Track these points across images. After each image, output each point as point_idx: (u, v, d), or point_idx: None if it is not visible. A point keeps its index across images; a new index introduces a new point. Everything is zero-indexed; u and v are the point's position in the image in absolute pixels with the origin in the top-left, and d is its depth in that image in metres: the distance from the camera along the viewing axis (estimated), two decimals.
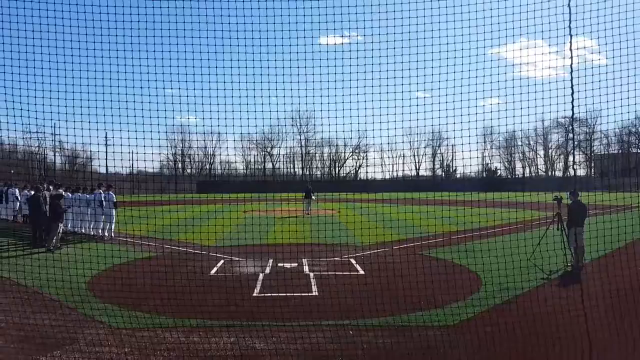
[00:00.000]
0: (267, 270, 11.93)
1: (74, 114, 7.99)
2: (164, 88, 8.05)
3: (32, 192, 16.45)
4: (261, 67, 8.59)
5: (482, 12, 7.70)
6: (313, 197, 31.31)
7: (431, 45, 7.90)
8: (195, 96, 8.22)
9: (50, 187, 17.43)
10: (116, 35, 7.70)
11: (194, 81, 8.25)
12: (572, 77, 6.13)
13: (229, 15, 7.72)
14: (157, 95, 8.43)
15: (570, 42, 6.13)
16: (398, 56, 7.96)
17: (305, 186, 32.23)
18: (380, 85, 8.31)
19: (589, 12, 7.20)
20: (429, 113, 8.35)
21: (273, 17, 7.71)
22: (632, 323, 7.30)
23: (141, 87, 7.79)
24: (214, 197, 31.68)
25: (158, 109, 8.11)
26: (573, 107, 6.16)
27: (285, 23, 7.67)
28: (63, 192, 17.11)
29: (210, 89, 7.95)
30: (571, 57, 6.19)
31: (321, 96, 8.14)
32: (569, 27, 6.11)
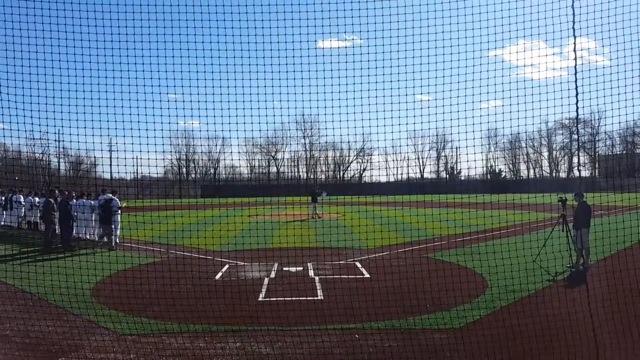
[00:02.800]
0: (272, 275, 11.91)
1: (77, 120, 7.97)
2: (167, 93, 8.06)
3: (60, 198, 16.78)
4: (264, 72, 8.57)
5: (486, 14, 7.64)
6: (320, 199, 31.04)
7: (435, 48, 7.90)
8: (198, 101, 8.24)
9: (73, 193, 17.86)
10: (119, 41, 7.72)
11: (197, 86, 8.27)
12: (576, 79, 6.09)
13: (231, 20, 7.73)
14: (160, 101, 8.37)
15: (575, 43, 6.10)
16: (401, 59, 7.93)
17: (312, 189, 32.06)
18: (384, 89, 8.28)
19: (592, 14, 7.17)
20: (431, 116, 8.33)
21: (276, 21, 7.72)
22: (638, 324, 7.23)
23: (144, 93, 7.77)
24: (218, 201, 31.69)
25: (162, 114, 8.10)
26: (577, 108, 6.12)
27: (286, 27, 7.66)
28: (112, 197, 17.77)
29: (213, 94, 7.95)
30: (575, 58, 6.16)
31: (325, 100, 8.09)
32: (573, 28, 6.09)
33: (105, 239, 17.14)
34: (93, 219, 18.19)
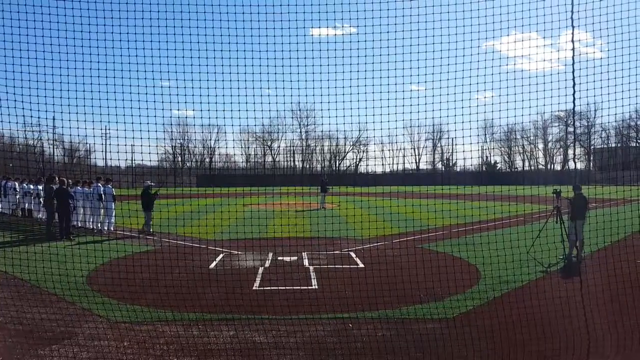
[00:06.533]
0: (267, 264, 11.91)
1: (69, 105, 7.87)
2: (160, 79, 7.97)
3: (57, 185, 16.67)
4: (260, 58, 8.48)
5: (484, 3, 7.58)
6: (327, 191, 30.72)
7: (432, 37, 7.81)
8: (193, 87, 8.14)
9: (70, 181, 17.85)
10: (112, 25, 7.61)
11: (191, 72, 8.21)
12: (574, 69, 6.06)
13: (226, 5, 7.61)
14: (153, 87, 8.25)
15: (573, 34, 6.05)
16: (396, 47, 7.86)
17: (321, 180, 31.78)
18: (380, 77, 8.19)
19: (585, 5, 7.10)
20: (427, 106, 8.26)
21: (272, 7, 7.63)
22: (630, 315, 7.29)
23: (137, 79, 7.66)
24: (212, 190, 31.63)
25: (155, 101, 8.00)
26: (574, 99, 6.10)
27: (282, 13, 7.56)
28: (151, 183, 18.49)
29: (208, 80, 7.87)
30: (573, 49, 6.12)
31: (321, 87, 8.07)
32: (572, 18, 6.04)
33: (144, 226, 17.39)
34: (88, 206, 18.12)
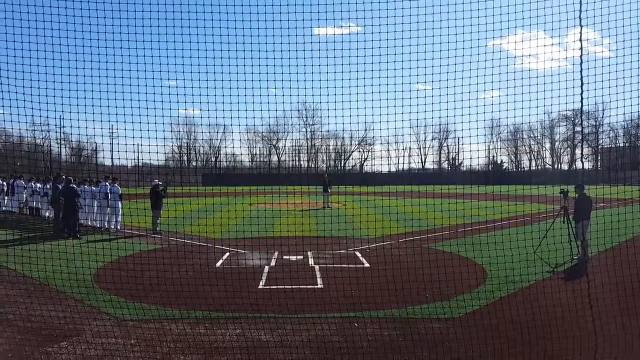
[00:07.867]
0: (273, 263, 11.94)
1: (77, 105, 7.94)
2: (168, 79, 8.00)
3: (64, 184, 16.73)
4: (266, 58, 8.51)
5: (491, 2, 7.54)
6: (329, 190, 30.59)
7: (439, 36, 7.79)
8: (200, 87, 8.18)
9: (74, 180, 17.96)
10: (120, 25, 7.67)
11: (198, 72, 8.25)
12: (582, 69, 6.03)
13: (233, 5, 7.63)
14: (160, 86, 8.27)
15: (581, 33, 6.02)
16: (399, 47, 7.84)
17: (322, 179, 31.78)
18: (387, 77, 8.17)
19: (593, 4, 7.06)
20: (430, 105, 8.23)
21: (279, 7, 7.64)
22: (638, 316, 7.25)
23: (145, 78, 7.71)
24: (219, 189, 31.72)
25: (162, 100, 8.03)
26: (582, 98, 6.07)
27: (288, 13, 7.59)
28: (159, 182, 18.41)
29: (215, 80, 7.90)
30: (581, 48, 6.09)
31: (328, 87, 8.02)
32: (580, 17, 6.00)
33: (153, 225, 17.45)
34: (95, 205, 18.26)
